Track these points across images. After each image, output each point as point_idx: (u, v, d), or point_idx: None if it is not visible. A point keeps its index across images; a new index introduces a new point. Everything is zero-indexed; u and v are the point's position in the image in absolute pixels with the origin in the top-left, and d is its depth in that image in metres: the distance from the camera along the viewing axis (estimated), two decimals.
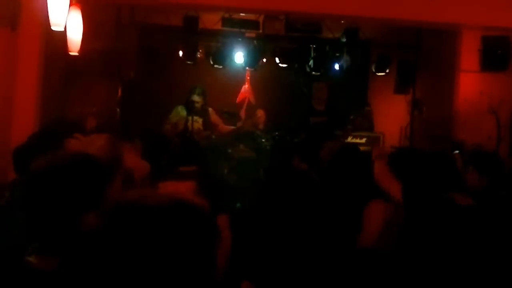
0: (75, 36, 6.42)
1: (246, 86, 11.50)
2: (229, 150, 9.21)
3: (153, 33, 10.40)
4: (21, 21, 6.36)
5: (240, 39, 10.43)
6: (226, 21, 10.05)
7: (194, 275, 1.45)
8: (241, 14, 10.05)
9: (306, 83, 11.16)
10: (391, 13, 7.61)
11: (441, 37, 9.62)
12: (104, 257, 1.44)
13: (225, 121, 10.13)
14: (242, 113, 10.17)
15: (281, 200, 4.48)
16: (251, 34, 10.64)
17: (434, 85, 10.18)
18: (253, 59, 10.45)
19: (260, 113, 10.45)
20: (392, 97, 11.09)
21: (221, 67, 10.50)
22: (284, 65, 10.45)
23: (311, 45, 10.57)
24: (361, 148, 9.34)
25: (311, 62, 10.54)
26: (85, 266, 1.56)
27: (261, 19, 10.37)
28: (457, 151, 6.11)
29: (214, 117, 9.83)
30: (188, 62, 10.23)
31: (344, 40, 10.29)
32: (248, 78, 11.46)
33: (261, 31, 10.57)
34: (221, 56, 10.38)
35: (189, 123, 9.34)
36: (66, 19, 5.82)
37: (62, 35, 6.28)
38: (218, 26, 10.17)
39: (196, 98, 9.46)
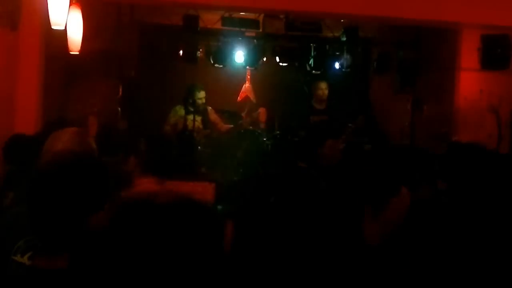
0: (75, 36, 6.42)
1: (246, 85, 11.52)
2: (230, 149, 9.23)
3: (153, 32, 10.41)
4: (21, 20, 6.37)
5: (240, 38, 10.43)
6: (226, 20, 10.05)
7: (200, 272, 1.46)
8: (241, 13, 10.06)
9: (306, 82, 11.16)
10: (391, 12, 7.61)
11: (441, 36, 9.63)
12: (112, 255, 1.45)
13: (226, 120, 10.15)
14: (245, 116, 10.18)
15: (283, 197, 4.51)
16: (251, 33, 10.65)
17: (435, 84, 10.18)
18: (253, 58, 10.46)
19: (262, 111, 10.47)
20: (393, 96, 11.10)
21: (221, 66, 10.50)
22: (284, 64, 10.46)
23: (311, 44, 10.57)
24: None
25: (311, 61, 10.54)
26: (94, 264, 1.58)
27: (261, 18, 10.37)
28: None
29: (213, 115, 9.85)
30: (188, 62, 10.23)
31: (344, 39, 10.29)
32: (249, 77, 11.47)
33: (261, 30, 10.58)
34: (221, 55, 10.38)
35: (188, 122, 9.36)
36: (67, 19, 5.83)
37: (63, 34, 6.29)
38: (218, 25, 10.18)
39: (199, 95, 9.49)
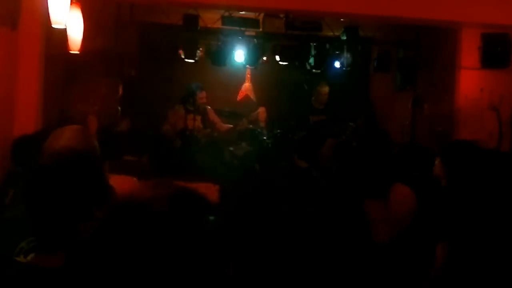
0: (75, 35, 6.42)
1: (246, 84, 11.53)
2: (231, 148, 9.22)
3: (153, 31, 10.40)
4: (21, 20, 6.36)
5: (240, 37, 10.43)
6: (226, 20, 10.05)
7: (194, 273, 1.45)
8: (241, 12, 10.06)
9: (306, 81, 11.18)
10: (391, 11, 7.61)
11: (441, 35, 9.63)
12: (105, 253, 1.44)
13: (226, 119, 10.16)
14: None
15: (283, 197, 4.51)
16: (251, 32, 10.65)
17: (435, 82, 10.17)
18: (253, 57, 10.46)
19: (261, 111, 10.48)
20: (393, 95, 11.10)
21: (221, 65, 10.51)
22: (285, 63, 10.46)
23: (311, 43, 10.56)
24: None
25: (311, 60, 10.54)
26: (88, 263, 1.57)
27: (261, 17, 10.37)
28: None
29: (212, 115, 9.87)
30: (188, 61, 10.23)
31: (344, 38, 10.30)
32: (249, 76, 11.48)
33: (261, 29, 10.58)
34: (221, 55, 10.38)
35: (188, 122, 9.37)
36: (67, 18, 5.83)
37: (63, 33, 6.28)
38: (218, 25, 10.18)
39: (200, 94, 9.51)
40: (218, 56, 10.40)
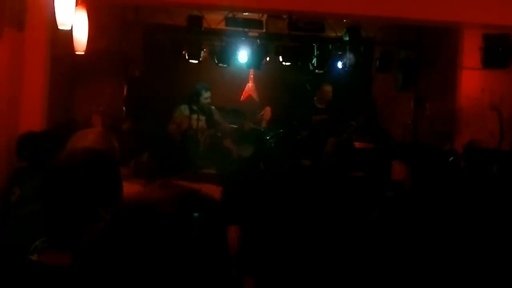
0: (81, 36, 6.42)
1: (250, 85, 11.54)
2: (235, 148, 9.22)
3: (158, 32, 10.42)
4: (28, 21, 6.38)
5: (243, 38, 10.44)
6: (229, 21, 10.07)
7: (199, 271, 1.45)
8: (245, 13, 10.07)
9: (309, 81, 11.18)
10: (393, 12, 7.61)
11: (443, 35, 9.63)
12: (112, 253, 1.45)
13: (229, 119, 10.16)
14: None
15: (288, 196, 4.51)
16: (254, 33, 10.66)
17: (437, 83, 10.18)
18: (256, 58, 10.45)
19: (267, 110, 10.50)
20: (396, 94, 11.11)
21: (225, 66, 10.51)
22: (288, 64, 10.46)
23: (314, 44, 10.57)
24: (365, 144, 9.47)
25: (314, 61, 10.54)
26: (94, 262, 1.58)
27: (264, 18, 10.39)
28: None
29: (217, 115, 9.86)
30: (192, 61, 10.24)
31: (346, 38, 10.29)
32: (252, 76, 11.49)
33: (264, 30, 10.60)
34: (225, 55, 10.38)
35: (193, 122, 9.37)
36: (73, 19, 5.84)
37: (68, 35, 6.29)
38: (222, 26, 10.20)
39: (205, 94, 9.51)
40: (221, 57, 10.40)
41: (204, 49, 10.41)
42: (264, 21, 10.45)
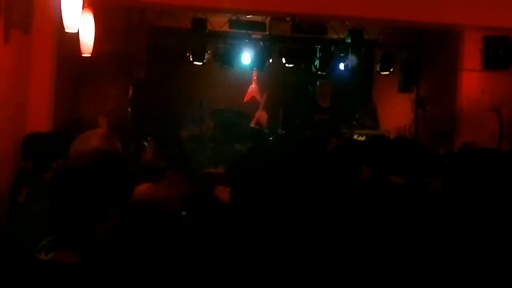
0: (87, 38, 6.41)
1: (253, 86, 11.55)
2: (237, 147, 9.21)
3: (163, 35, 10.42)
4: (35, 24, 6.37)
5: (247, 40, 10.45)
6: (233, 23, 10.08)
7: (207, 270, 1.44)
8: (248, 16, 10.07)
9: (311, 82, 11.19)
10: (394, 15, 7.61)
11: (444, 38, 9.63)
12: (121, 251, 1.44)
13: (234, 120, 10.15)
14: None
15: (290, 197, 4.48)
16: (257, 35, 10.66)
17: (437, 84, 10.18)
18: (260, 60, 10.46)
19: (263, 115, 10.55)
20: (397, 96, 11.09)
21: (228, 67, 10.52)
22: (291, 65, 10.46)
23: (316, 46, 10.57)
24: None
25: (316, 62, 10.55)
26: (104, 260, 1.57)
27: (267, 21, 10.40)
28: None
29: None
30: (197, 63, 10.24)
31: (348, 40, 10.29)
32: (255, 78, 11.49)
33: (267, 32, 10.61)
34: (228, 57, 10.39)
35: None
36: (79, 22, 5.83)
37: (75, 37, 6.28)
38: (226, 28, 10.21)
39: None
40: (225, 59, 10.41)
41: (208, 51, 10.41)
42: (267, 24, 10.46)
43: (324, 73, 10.58)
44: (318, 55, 10.53)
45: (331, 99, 10.01)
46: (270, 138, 9.68)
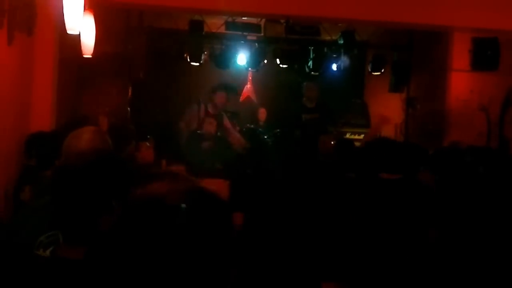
0: (88, 40, 6.43)
1: (248, 86, 11.58)
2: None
3: (161, 36, 10.43)
4: (37, 26, 6.38)
5: (242, 41, 10.46)
6: (229, 25, 10.10)
7: (207, 266, 1.45)
8: (244, 18, 10.09)
9: (303, 82, 11.23)
10: (386, 16, 7.63)
11: (434, 39, 9.66)
12: (121, 246, 1.44)
13: (228, 119, 10.15)
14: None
15: (288, 195, 4.53)
16: (253, 37, 10.68)
17: (427, 84, 10.22)
18: (255, 61, 10.47)
19: (262, 112, 10.53)
20: (387, 96, 11.13)
21: (225, 68, 10.54)
22: (285, 66, 10.49)
23: (310, 47, 10.61)
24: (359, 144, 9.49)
25: (310, 63, 10.58)
26: (106, 256, 1.58)
27: (262, 22, 10.42)
28: None
29: (226, 121, 9.52)
30: (194, 64, 10.26)
31: (341, 42, 10.32)
32: (250, 78, 11.52)
33: (262, 34, 10.63)
34: (225, 58, 10.40)
35: (205, 125, 8.92)
36: (80, 24, 5.85)
37: (76, 39, 6.30)
38: (222, 30, 10.22)
39: (220, 93, 9.29)
40: (221, 59, 10.42)
41: (205, 52, 10.42)
42: (262, 25, 10.48)
43: (317, 73, 10.62)
44: (311, 56, 10.56)
45: (319, 99, 10.05)
46: (265, 137, 9.73)
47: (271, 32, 10.52)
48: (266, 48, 10.58)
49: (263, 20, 10.22)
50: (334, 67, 11.01)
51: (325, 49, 10.74)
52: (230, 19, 9.93)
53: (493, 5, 7.46)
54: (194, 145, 8.49)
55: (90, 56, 6.56)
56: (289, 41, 10.34)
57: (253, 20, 10.25)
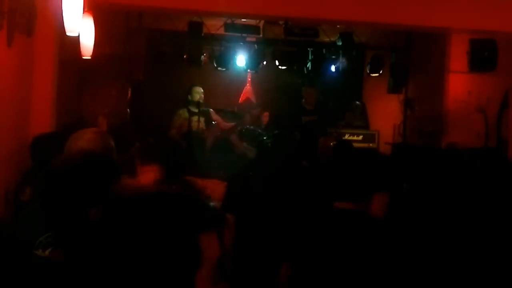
0: (87, 41, 6.41)
1: (247, 87, 11.57)
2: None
3: (160, 37, 10.43)
4: (37, 27, 6.37)
5: (241, 43, 10.45)
6: (228, 26, 10.08)
7: (186, 260, 1.42)
8: (243, 20, 10.07)
9: (303, 84, 11.21)
10: (384, 18, 7.62)
11: (431, 40, 9.65)
12: (105, 246, 1.42)
13: (228, 120, 10.17)
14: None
15: (289, 196, 4.50)
16: (252, 38, 10.67)
17: (425, 85, 10.20)
18: (254, 62, 10.47)
19: (265, 115, 10.56)
20: (386, 97, 11.12)
21: (224, 69, 10.53)
22: (283, 67, 10.48)
23: (308, 48, 10.60)
24: (358, 145, 9.47)
25: (309, 64, 10.58)
26: (89, 256, 1.56)
27: (261, 24, 10.40)
28: None
29: (214, 116, 9.87)
30: (193, 65, 10.25)
31: (339, 43, 10.30)
32: (249, 79, 11.51)
33: (261, 35, 10.61)
34: (224, 59, 10.39)
35: (193, 124, 9.38)
36: (80, 26, 5.83)
37: (75, 40, 6.29)
38: (221, 31, 10.20)
39: (196, 89, 9.57)
40: (221, 61, 10.40)
41: (204, 54, 10.42)
42: (261, 27, 10.46)
43: (316, 74, 10.60)
44: (310, 58, 10.55)
45: (318, 101, 10.03)
46: (265, 138, 9.69)
47: (270, 34, 10.51)
48: (265, 50, 10.58)
49: (262, 21, 10.20)
50: (332, 68, 10.97)
51: (324, 51, 10.75)
52: (229, 21, 9.91)
53: (491, 6, 7.45)
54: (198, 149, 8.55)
55: (90, 58, 6.54)
56: (287, 43, 10.32)
57: (252, 21, 10.24)
